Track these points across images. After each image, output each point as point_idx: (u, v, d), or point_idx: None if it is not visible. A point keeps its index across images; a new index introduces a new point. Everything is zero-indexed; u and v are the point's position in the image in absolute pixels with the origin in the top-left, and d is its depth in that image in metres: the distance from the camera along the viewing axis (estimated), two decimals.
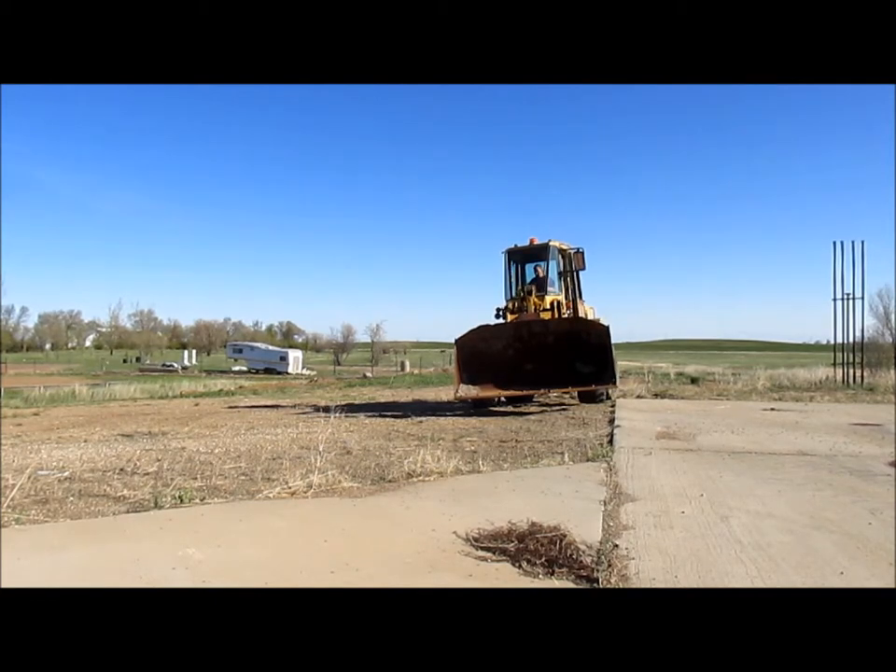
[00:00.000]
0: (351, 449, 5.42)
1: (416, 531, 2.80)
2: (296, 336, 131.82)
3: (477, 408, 9.96)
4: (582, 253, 11.36)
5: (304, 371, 58.69)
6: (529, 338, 9.73)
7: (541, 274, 10.92)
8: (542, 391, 9.67)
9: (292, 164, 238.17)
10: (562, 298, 11.20)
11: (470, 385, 9.64)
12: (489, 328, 9.92)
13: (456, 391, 9.51)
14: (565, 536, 2.55)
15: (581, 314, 11.10)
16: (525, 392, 9.75)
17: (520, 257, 11.33)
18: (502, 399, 10.68)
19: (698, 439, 5.78)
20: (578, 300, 11.39)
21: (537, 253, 11.21)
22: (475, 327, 9.78)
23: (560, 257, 11.38)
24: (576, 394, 10.55)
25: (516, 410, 9.80)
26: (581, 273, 11.59)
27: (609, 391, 10.12)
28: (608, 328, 9.29)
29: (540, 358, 9.43)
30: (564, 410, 9.27)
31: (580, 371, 9.23)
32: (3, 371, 40.19)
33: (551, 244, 11.24)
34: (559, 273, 11.41)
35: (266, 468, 4.48)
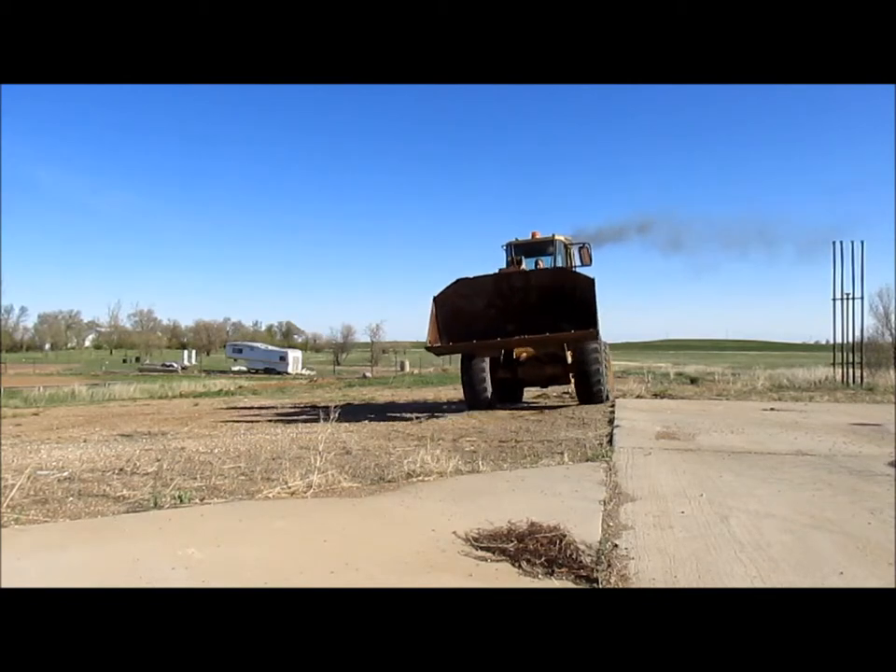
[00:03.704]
0: (350, 449, 5.42)
1: (416, 531, 2.80)
2: (296, 336, 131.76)
3: (473, 408, 9.74)
4: (588, 248, 11.04)
5: (304, 371, 58.70)
6: (511, 293, 9.18)
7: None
8: (520, 338, 8.81)
9: (292, 164, 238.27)
10: None
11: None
12: (469, 281, 9.31)
13: (430, 342, 8.93)
14: (564, 536, 2.55)
15: None
16: (501, 342, 8.98)
17: (522, 251, 10.96)
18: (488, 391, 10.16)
19: (698, 439, 5.79)
20: None
21: (540, 247, 10.93)
22: (454, 281, 9.21)
23: (564, 252, 11.10)
24: (575, 395, 10.42)
25: (516, 410, 9.80)
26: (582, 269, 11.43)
27: (603, 383, 9.61)
28: (593, 280, 8.71)
29: (522, 315, 8.85)
30: (563, 410, 9.27)
31: (562, 326, 8.62)
32: (2, 371, 40.18)
33: (556, 237, 10.97)
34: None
35: (266, 468, 4.48)
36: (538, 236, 11.12)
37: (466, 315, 9.09)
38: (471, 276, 9.31)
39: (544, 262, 10.81)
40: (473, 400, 9.95)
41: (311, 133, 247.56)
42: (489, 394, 9.88)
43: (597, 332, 8.24)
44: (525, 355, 10.38)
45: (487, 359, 9.96)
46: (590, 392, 9.75)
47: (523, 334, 8.73)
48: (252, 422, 9.20)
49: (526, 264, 10.88)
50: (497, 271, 10.09)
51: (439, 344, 8.93)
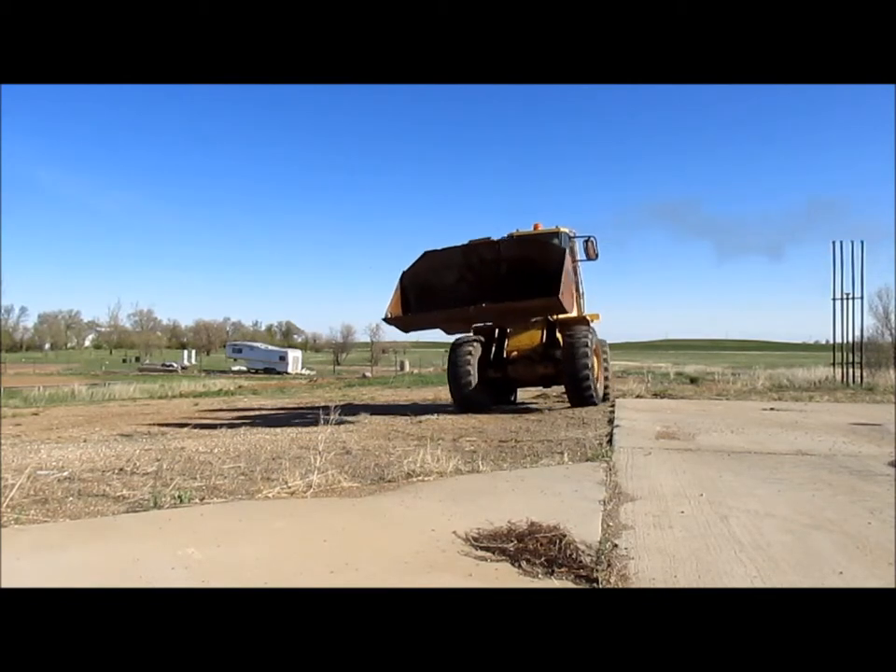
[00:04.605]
0: (350, 449, 5.42)
1: (416, 531, 2.80)
2: (295, 336, 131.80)
3: (460, 407, 9.44)
4: (594, 241, 10.62)
5: (304, 371, 58.78)
6: (481, 266, 8.60)
7: None
8: (479, 307, 8.00)
9: (292, 164, 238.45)
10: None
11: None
12: (437, 254, 8.63)
13: (391, 314, 8.19)
14: (564, 535, 2.55)
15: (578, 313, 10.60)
16: (460, 311, 8.13)
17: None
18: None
19: (698, 438, 5.79)
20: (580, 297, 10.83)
21: (545, 240, 10.35)
22: (421, 255, 8.63)
23: (569, 244, 10.65)
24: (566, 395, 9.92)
25: (515, 410, 9.79)
26: (578, 264, 10.86)
27: (592, 384, 9.08)
28: (564, 249, 8.25)
29: (494, 289, 8.24)
30: (563, 410, 9.26)
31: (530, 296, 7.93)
32: (2, 371, 40.17)
33: (560, 229, 10.55)
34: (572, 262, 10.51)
35: (265, 467, 4.48)
36: (540, 228, 10.68)
37: (435, 291, 8.52)
38: (439, 249, 8.66)
39: None
40: (458, 396, 9.53)
41: (311, 133, 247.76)
42: (473, 388, 9.40)
43: (561, 303, 7.45)
44: (515, 353, 9.95)
45: (474, 353, 9.60)
46: (579, 393, 9.24)
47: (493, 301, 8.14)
48: (251, 421, 9.19)
49: None
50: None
51: (399, 315, 8.35)
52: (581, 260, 10.96)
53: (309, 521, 3.04)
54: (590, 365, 9.03)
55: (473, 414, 8.82)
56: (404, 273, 8.55)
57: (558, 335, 9.70)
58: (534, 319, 9.86)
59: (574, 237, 10.92)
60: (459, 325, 8.92)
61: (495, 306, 8.06)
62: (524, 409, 10.07)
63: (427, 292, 8.50)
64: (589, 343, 9.07)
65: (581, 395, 9.20)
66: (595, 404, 9.26)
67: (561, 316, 9.72)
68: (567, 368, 9.18)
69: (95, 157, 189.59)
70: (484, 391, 9.76)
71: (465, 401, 9.48)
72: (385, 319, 8.31)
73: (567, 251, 8.43)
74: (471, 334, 10.15)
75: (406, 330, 8.98)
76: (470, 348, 9.67)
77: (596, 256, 10.69)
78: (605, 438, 5.89)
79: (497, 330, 10.19)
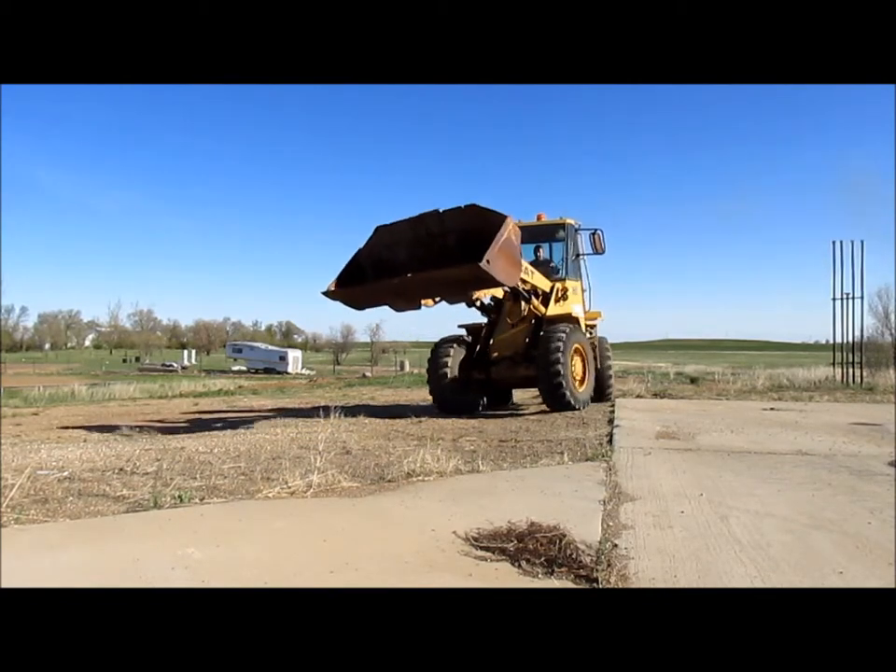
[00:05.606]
0: (350, 449, 5.42)
1: (416, 531, 2.80)
2: (295, 336, 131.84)
3: (439, 407, 9.17)
4: (601, 234, 10.16)
5: (304, 371, 58.85)
6: (430, 239, 7.90)
7: (542, 257, 9.92)
8: (403, 277, 7.38)
9: (291, 164, 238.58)
10: (577, 285, 10.18)
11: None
12: (388, 228, 7.98)
13: (331, 289, 7.63)
14: (564, 535, 2.55)
15: (581, 310, 10.37)
16: (386, 282, 7.61)
17: (527, 235, 9.37)
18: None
19: (698, 438, 5.79)
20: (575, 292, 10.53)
21: (548, 231, 10.09)
22: (374, 230, 8.04)
23: (575, 237, 10.37)
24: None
25: (515, 410, 9.78)
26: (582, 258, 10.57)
27: (566, 385, 8.47)
28: (505, 217, 7.42)
29: (443, 263, 7.54)
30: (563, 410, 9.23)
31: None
32: (2, 371, 40.13)
33: (566, 221, 10.17)
34: (577, 256, 10.31)
35: (265, 467, 4.47)
36: (544, 219, 10.32)
37: (388, 268, 7.95)
38: (390, 223, 7.99)
39: (544, 250, 10.09)
40: (436, 396, 9.28)
41: (311, 133, 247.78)
42: (452, 388, 9.14)
43: (487, 272, 6.65)
44: (497, 354, 9.55)
45: (453, 352, 9.35)
46: (551, 396, 8.58)
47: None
48: (251, 421, 9.19)
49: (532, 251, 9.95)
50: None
51: (336, 290, 7.78)
52: (588, 254, 10.60)
53: (309, 521, 3.04)
54: (561, 364, 8.45)
55: (473, 415, 8.81)
56: (359, 249, 8.06)
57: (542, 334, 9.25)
58: (521, 318, 9.51)
59: (579, 229, 10.61)
60: (397, 300, 8.17)
61: (418, 276, 7.39)
62: (523, 409, 10.07)
63: (380, 268, 7.95)
64: (563, 341, 8.50)
65: (552, 397, 8.58)
66: (572, 408, 8.58)
67: (549, 313, 9.45)
68: (539, 368, 8.60)
69: (95, 157, 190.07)
70: (469, 392, 9.48)
71: (443, 401, 9.23)
72: (324, 293, 7.78)
73: (510, 218, 7.53)
74: (464, 333, 9.99)
75: (354, 306, 8.43)
76: (450, 349, 9.41)
77: (603, 250, 10.25)
78: (605, 438, 5.89)
79: (485, 329, 9.87)
